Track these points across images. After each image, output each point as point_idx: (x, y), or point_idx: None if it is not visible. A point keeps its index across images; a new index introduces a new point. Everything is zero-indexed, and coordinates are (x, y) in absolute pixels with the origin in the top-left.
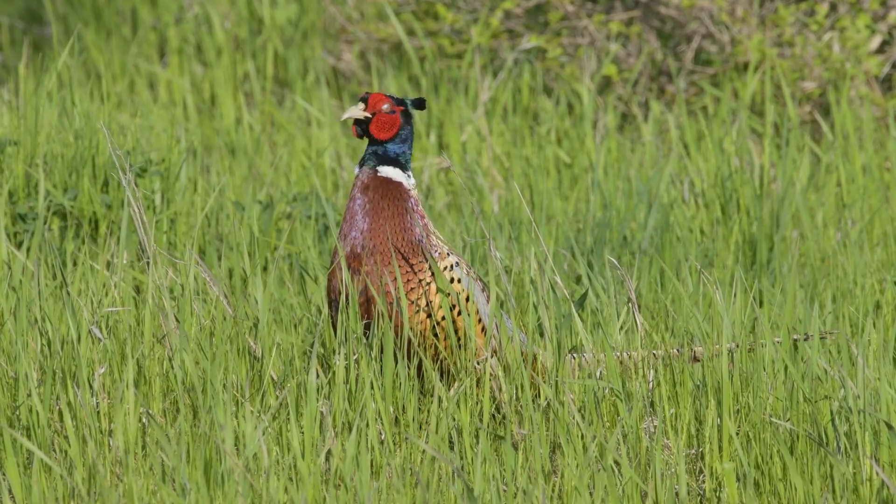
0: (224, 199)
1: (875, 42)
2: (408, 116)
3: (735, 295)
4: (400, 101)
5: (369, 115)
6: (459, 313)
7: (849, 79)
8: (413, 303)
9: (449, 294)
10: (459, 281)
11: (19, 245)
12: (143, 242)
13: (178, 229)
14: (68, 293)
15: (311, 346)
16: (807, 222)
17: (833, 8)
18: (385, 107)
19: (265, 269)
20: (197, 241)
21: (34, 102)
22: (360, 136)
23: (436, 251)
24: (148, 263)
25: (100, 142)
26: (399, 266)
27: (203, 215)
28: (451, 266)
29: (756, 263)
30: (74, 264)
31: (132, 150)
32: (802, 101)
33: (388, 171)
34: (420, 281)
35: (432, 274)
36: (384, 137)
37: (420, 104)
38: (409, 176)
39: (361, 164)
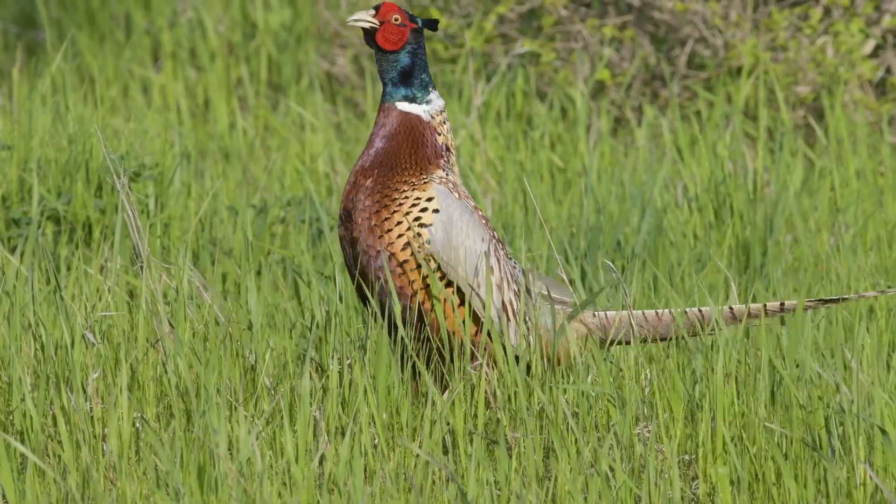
0: (218, 203)
1: (869, 46)
2: (418, 35)
3: (728, 299)
4: (413, 18)
5: (377, 24)
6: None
7: (842, 83)
8: (398, 225)
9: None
10: (437, 211)
11: (13, 250)
12: (137, 247)
13: (171, 234)
14: (62, 298)
15: (305, 350)
16: (800, 226)
17: (827, 12)
18: (395, 17)
19: (259, 273)
20: (191, 246)
21: (28, 107)
22: (369, 45)
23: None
24: (142, 268)
25: (93, 146)
26: (395, 181)
27: (197, 220)
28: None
29: (749, 268)
30: (68, 269)
31: (126, 155)
32: (796, 106)
33: (407, 106)
34: (406, 197)
35: (430, 198)
36: (388, 48)
37: (432, 25)
38: (429, 102)
39: (388, 95)
